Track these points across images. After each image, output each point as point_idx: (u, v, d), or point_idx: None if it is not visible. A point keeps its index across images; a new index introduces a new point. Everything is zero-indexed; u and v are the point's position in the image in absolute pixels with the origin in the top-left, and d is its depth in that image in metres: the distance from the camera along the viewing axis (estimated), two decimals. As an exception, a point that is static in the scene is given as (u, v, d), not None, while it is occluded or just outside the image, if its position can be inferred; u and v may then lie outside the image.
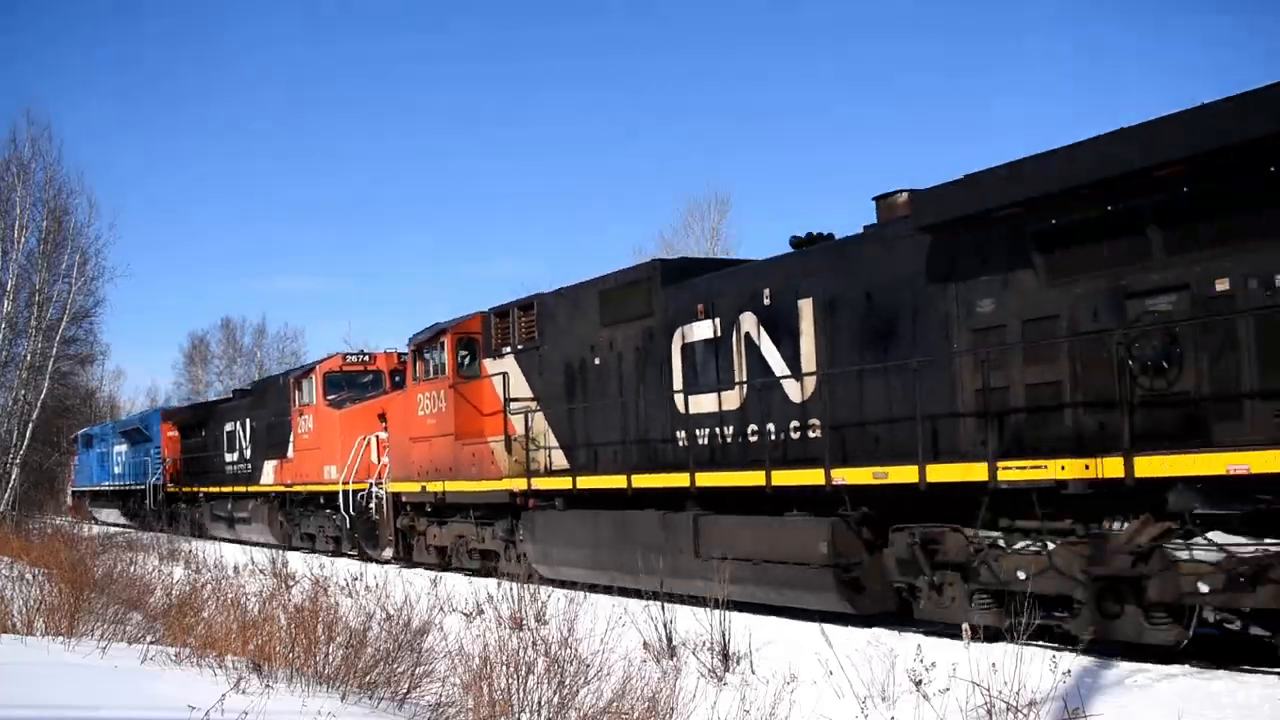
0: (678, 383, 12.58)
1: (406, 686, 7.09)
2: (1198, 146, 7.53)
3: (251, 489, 25.30)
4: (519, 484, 14.82)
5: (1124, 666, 7.91)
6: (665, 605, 9.77)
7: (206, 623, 8.82)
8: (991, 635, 8.28)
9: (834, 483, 10.04)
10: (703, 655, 9.04)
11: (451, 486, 16.55)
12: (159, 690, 6.59)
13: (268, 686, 6.60)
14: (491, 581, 13.90)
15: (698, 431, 12.30)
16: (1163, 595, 7.78)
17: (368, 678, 7.02)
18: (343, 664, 7.07)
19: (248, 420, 26.12)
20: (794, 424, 11.13)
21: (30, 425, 28.72)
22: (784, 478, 10.66)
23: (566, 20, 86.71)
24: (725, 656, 8.94)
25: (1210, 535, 7.57)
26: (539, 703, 6.11)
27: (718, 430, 12.06)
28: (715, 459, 11.96)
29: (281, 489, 23.63)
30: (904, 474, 9.36)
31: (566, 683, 6.33)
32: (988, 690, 6.40)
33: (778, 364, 11.35)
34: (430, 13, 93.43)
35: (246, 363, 70.02)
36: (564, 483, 13.99)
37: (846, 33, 77.20)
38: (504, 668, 6.27)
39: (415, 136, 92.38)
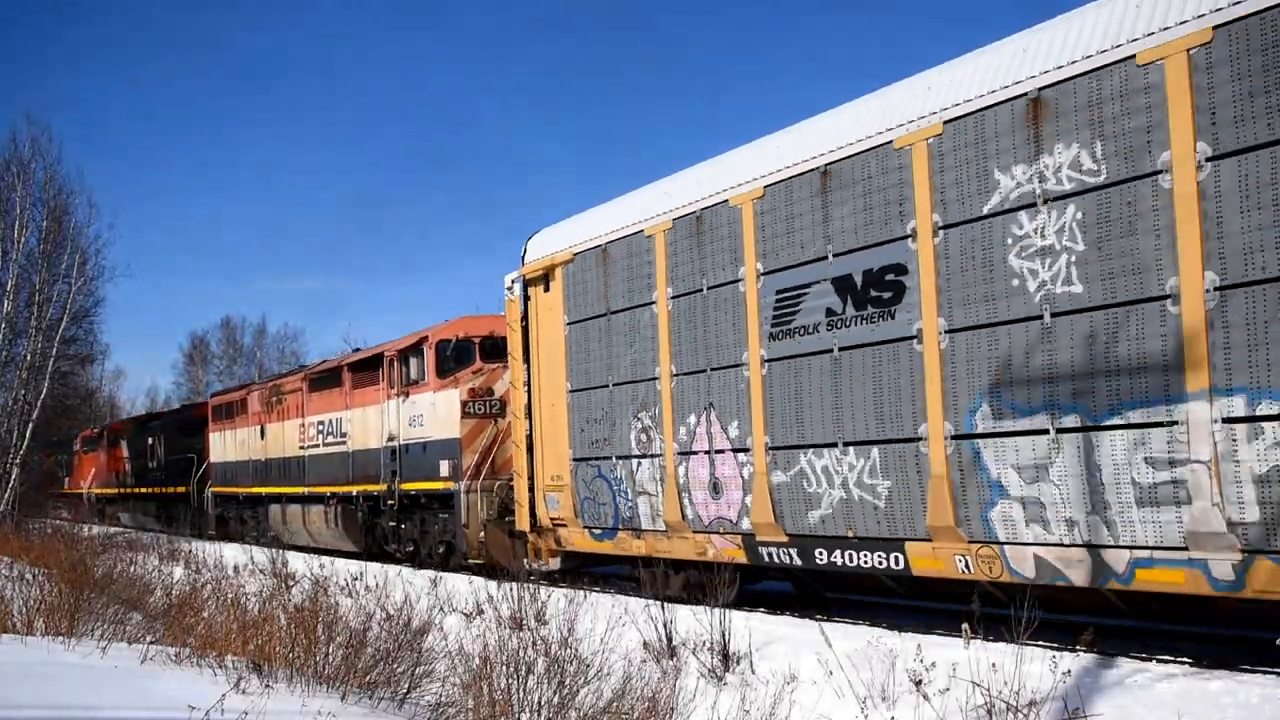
0: (149, 455, 34.84)
1: (406, 686, 7.08)
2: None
3: (66, 491, 45.57)
4: (116, 490, 38.40)
5: (1124, 666, 7.91)
6: (665, 605, 9.79)
7: (206, 623, 8.81)
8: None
9: (164, 492, 33.34)
10: (703, 655, 9.04)
11: (105, 490, 39.93)
12: (159, 690, 6.58)
13: (268, 686, 6.60)
14: (492, 582, 13.94)
15: (154, 475, 33.90)
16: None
17: (368, 678, 7.02)
18: (343, 664, 7.06)
19: (63, 456, 47.08)
20: (159, 473, 33.33)
21: (30, 425, 28.74)
22: (143, 490, 35.41)
23: (572, 21, 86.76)
24: (725, 656, 8.93)
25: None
26: (539, 703, 6.11)
27: (156, 475, 33.68)
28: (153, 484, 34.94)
29: (71, 492, 44.71)
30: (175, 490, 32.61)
31: (566, 683, 6.32)
32: (988, 690, 6.40)
33: (158, 453, 33.68)
34: (434, 12, 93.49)
35: (246, 363, 70.08)
36: (123, 490, 37.67)
37: (851, 30, 77.24)
38: (504, 668, 6.27)
39: (417, 135, 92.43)
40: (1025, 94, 8.44)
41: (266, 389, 25.68)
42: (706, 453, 11.54)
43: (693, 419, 11.71)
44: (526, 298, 14.47)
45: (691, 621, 9.58)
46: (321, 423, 22.07)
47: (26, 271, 28.44)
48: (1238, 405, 7.22)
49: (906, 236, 9.35)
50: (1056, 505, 8.25)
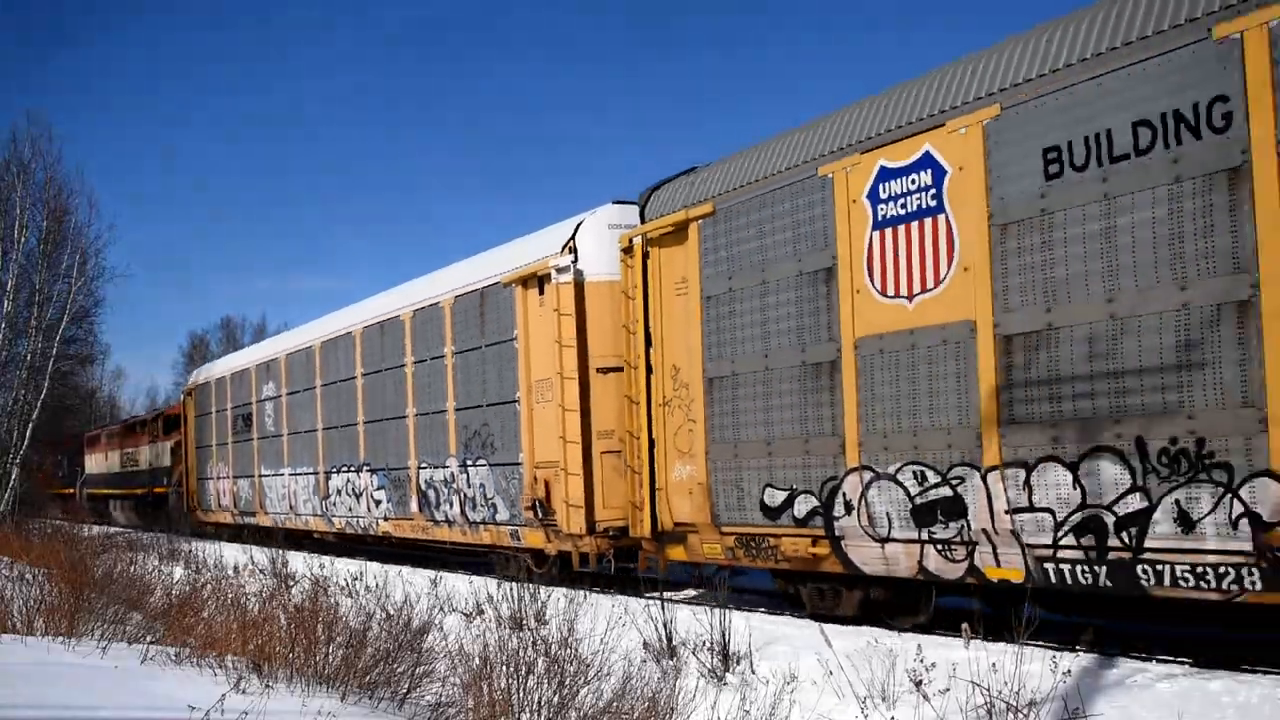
0: (60, 467, 51.08)
1: (406, 686, 7.08)
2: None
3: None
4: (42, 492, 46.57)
5: (1124, 666, 7.91)
6: (665, 605, 9.79)
7: (206, 623, 8.81)
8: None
9: (63, 493, 49.98)
10: (703, 655, 9.03)
11: (58, 491, 49.33)
12: (159, 690, 6.58)
13: (268, 686, 6.60)
14: (492, 581, 13.96)
15: (60, 481, 51.28)
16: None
17: (368, 678, 7.01)
18: (343, 664, 7.06)
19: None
20: (64, 481, 51.28)
21: (30, 425, 28.73)
22: (55, 491, 50.26)
23: (583, 27, 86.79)
24: (725, 656, 8.93)
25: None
26: (539, 703, 6.11)
27: (61, 481, 51.08)
28: (60, 487, 51.94)
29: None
30: (69, 491, 51.16)
31: (566, 683, 6.32)
32: (988, 690, 6.40)
33: (64, 466, 51.18)
34: (439, 12, 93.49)
35: (246, 362, 70.17)
36: (45, 491, 47.60)
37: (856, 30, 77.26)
38: (504, 668, 6.27)
39: (420, 135, 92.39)
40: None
41: (106, 431, 44.61)
42: (228, 477, 26.76)
43: (222, 464, 27.01)
44: (185, 400, 30.32)
45: (691, 622, 9.58)
46: (128, 453, 39.48)
47: (26, 271, 28.46)
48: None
49: (252, 402, 24.78)
50: (350, 502, 20.59)
